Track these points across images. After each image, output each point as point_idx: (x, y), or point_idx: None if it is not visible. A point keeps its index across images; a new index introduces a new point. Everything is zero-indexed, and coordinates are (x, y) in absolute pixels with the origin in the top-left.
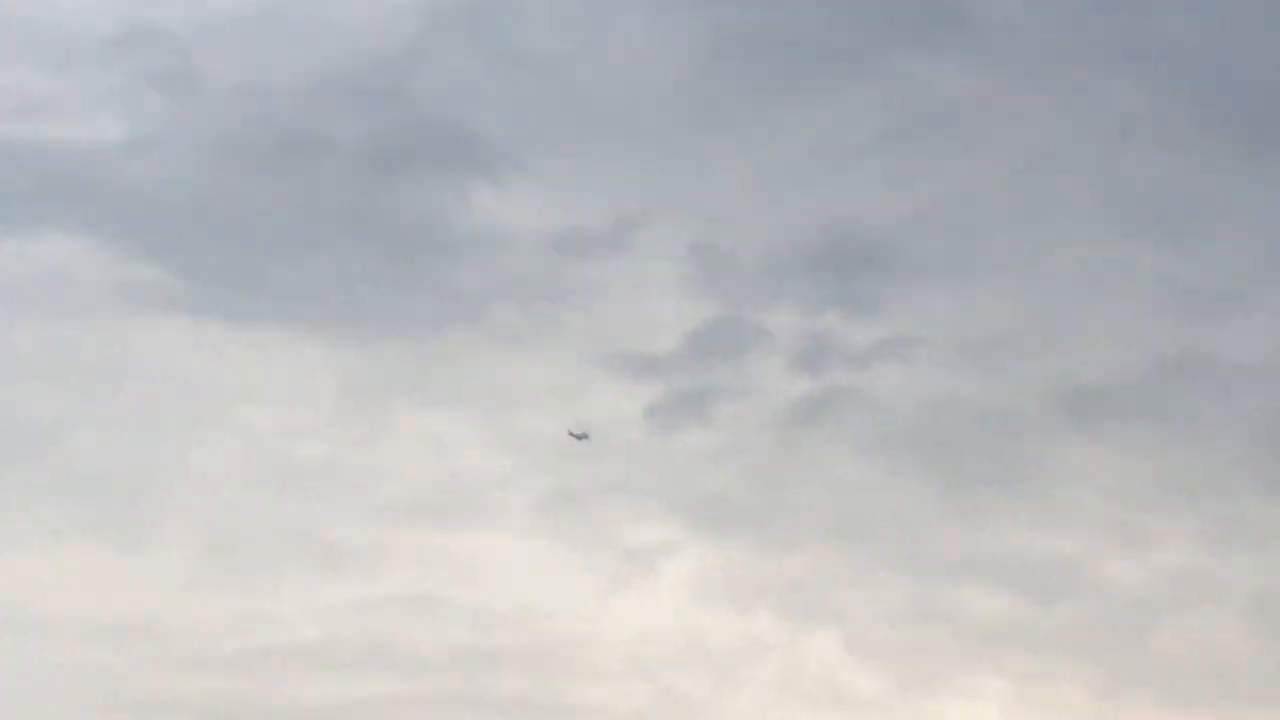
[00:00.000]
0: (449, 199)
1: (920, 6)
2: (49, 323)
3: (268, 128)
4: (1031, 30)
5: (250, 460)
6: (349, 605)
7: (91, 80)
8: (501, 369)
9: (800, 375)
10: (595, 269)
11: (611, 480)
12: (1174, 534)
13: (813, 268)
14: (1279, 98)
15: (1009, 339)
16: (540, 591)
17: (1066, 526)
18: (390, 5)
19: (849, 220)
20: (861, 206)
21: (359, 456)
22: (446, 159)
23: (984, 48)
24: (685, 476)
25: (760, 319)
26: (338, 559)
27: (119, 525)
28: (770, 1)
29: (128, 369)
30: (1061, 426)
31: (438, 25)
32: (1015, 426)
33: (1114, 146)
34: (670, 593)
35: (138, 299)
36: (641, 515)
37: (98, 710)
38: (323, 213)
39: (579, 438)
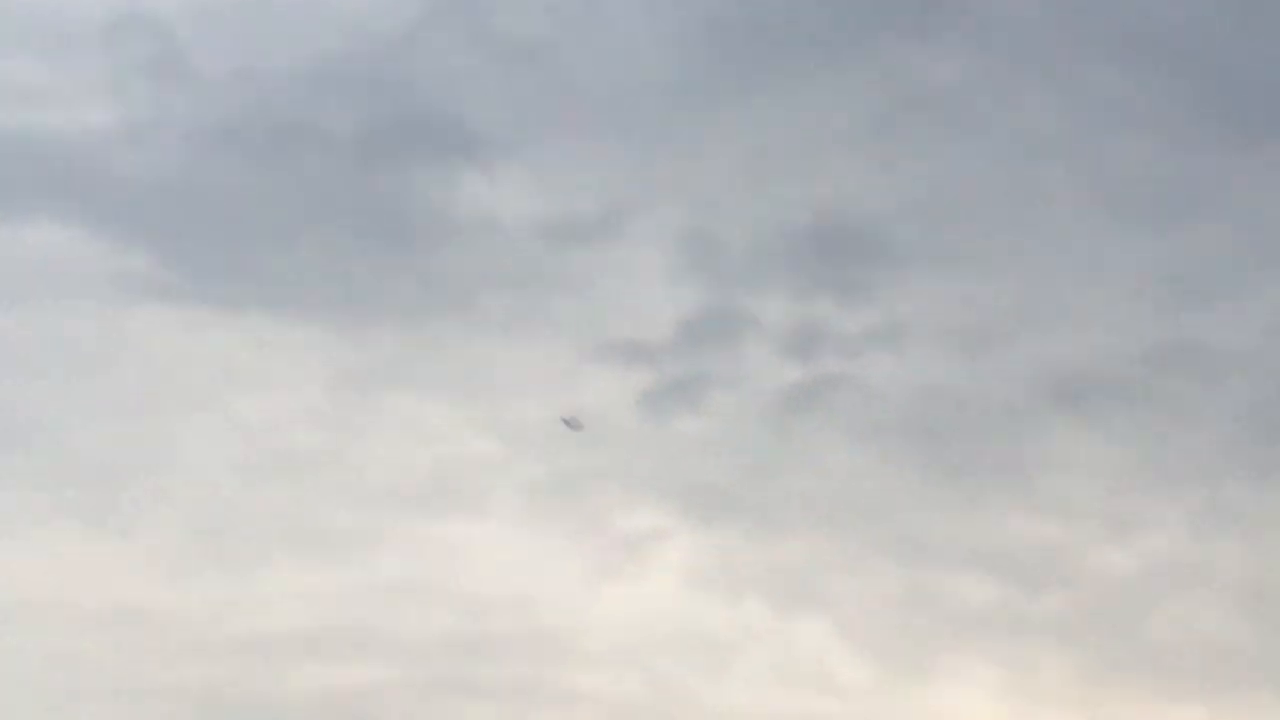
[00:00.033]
0: (439, 186)
1: None
2: (38, 310)
3: (259, 116)
4: (1022, 17)
5: (240, 447)
6: (339, 592)
7: (82, 68)
8: (492, 356)
9: (792, 362)
10: (586, 256)
11: (603, 467)
12: (1164, 521)
13: (804, 255)
14: (1269, 85)
15: (1000, 326)
16: (531, 578)
17: (1056, 513)
18: None
19: (840, 207)
20: (853, 193)
21: (349, 443)
22: (437, 147)
23: (974, 34)
24: (677, 464)
25: (751, 306)
26: (328, 546)
27: (106, 512)
28: None
29: (117, 356)
30: (1052, 413)
31: (429, 13)
32: (1006, 413)
33: (1105, 133)
34: (662, 580)
35: (128, 287)
36: (633, 502)
37: (86, 697)
38: (314, 200)
39: (572, 426)
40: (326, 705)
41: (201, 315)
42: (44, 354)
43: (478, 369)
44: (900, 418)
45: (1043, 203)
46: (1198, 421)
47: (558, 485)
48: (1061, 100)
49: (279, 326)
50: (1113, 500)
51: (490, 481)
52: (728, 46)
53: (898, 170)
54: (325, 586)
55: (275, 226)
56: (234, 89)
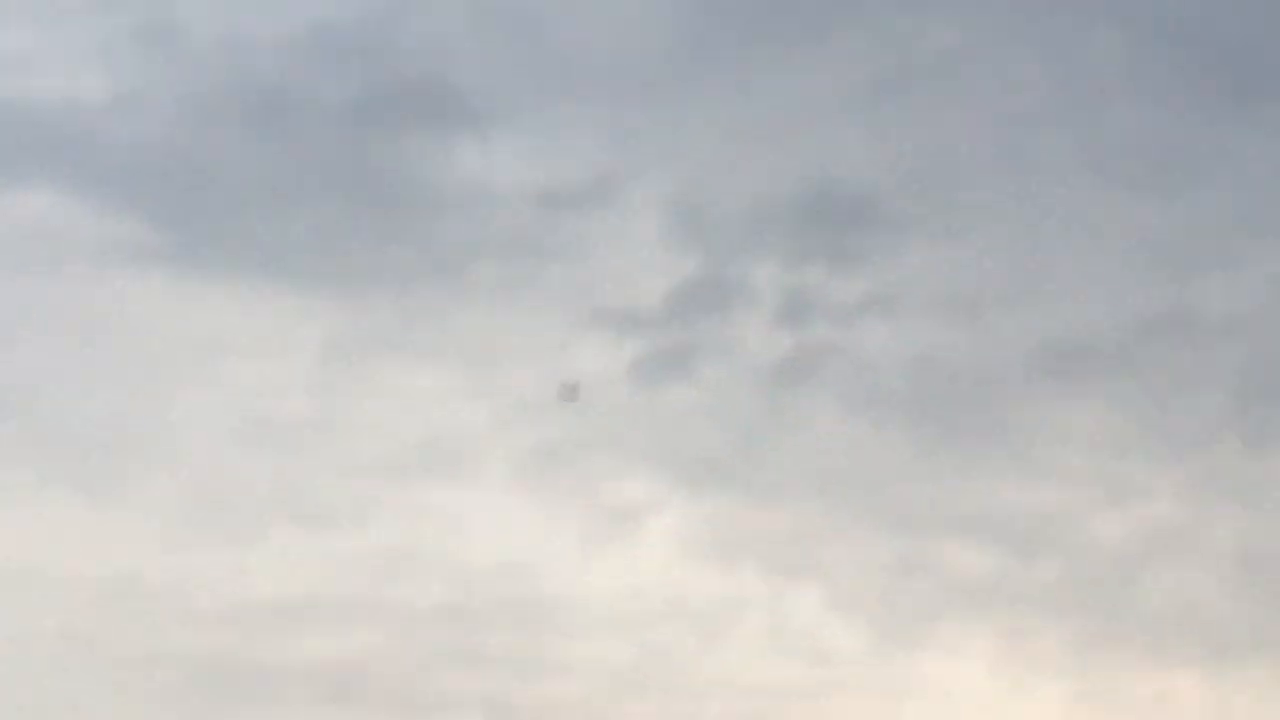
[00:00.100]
0: (431, 154)
1: None
2: (28, 278)
3: (251, 83)
4: None
5: (232, 415)
6: (331, 561)
7: (72, 35)
8: (484, 324)
9: (784, 331)
10: (578, 224)
11: (595, 436)
12: (1158, 488)
13: (796, 222)
14: (1264, 53)
15: (993, 294)
16: (523, 548)
17: (1050, 481)
18: None
19: (832, 175)
20: (845, 161)
21: (341, 412)
22: (429, 114)
23: (968, 0)
24: (669, 433)
25: (744, 274)
26: (320, 514)
27: (99, 480)
28: None
29: (108, 324)
30: (1045, 381)
31: None
32: (999, 381)
33: (1099, 101)
34: (654, 549)
35: (118, 254)
36: (625, 471)
37: (79, 667)
38: (305, 168)
39: (569, 396)
40: (319, 674)
41: (193, 283)
42: (32, 322)
43: (469, 337)
44: (894, 386)
45: (1037, 171)
46: (1194, 389)
47: (550, 454)
48: (1056, 68)
49: (271, 294)
50: (1108, 468)
51: (482, 450)
52: (720, 13)
53: (891, 138)
54: (318, 555)
55: (267, 194)
56: (225, 56)
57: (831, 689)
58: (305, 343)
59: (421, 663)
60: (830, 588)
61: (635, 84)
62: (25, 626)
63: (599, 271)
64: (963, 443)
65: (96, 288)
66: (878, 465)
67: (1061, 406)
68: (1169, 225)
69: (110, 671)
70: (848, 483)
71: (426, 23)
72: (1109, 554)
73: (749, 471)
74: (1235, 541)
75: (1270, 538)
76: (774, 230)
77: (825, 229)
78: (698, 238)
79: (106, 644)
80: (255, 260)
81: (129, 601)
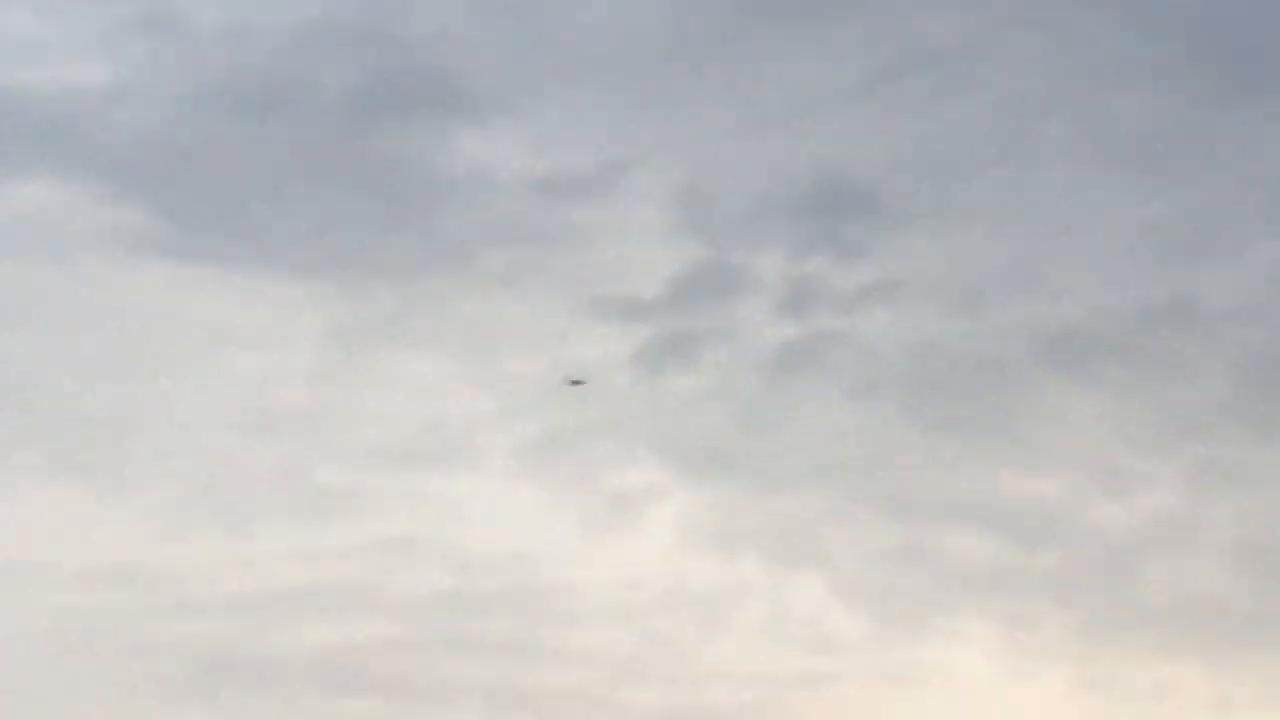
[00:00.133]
0: (433, 142)
1: None
2: (30, 267)
3: (253, 73)
4: None
5: (233, 404)
6: (333, 550)
7: (74, 24)
8: (486, 313)
9: (786, 319)
10: (581, 212)
11: (597, 424)
12: (1160, 477)
13: (799, 211)
14: (1266, 43)
15: (995, 283)
16: (525, 536)
17: (1052, 470)
18: None
19: (836, 164)
20: (848, 150)
21: (343, 400)
22: (431, 102)
23: None
24: (671, 420)
25: (746, 263)
26: (322, 503)
27: (101, 470)
28: None
29: (110, 313)
30: (1047, 370)
31: None
32: (1001, 370)
33: (1101, 90)
34: (656, 537)
35: (120, 244)
36: (627, 459)
37: (80, 656)
38: (307, 157)
39: (575, 384)
40: (322, 662)
41: (195, 272)
42: (33, 312)
43: (472, 325)
44: (895, 374)
45: (1038, 160)
46: (1193, 378)
47: (552, 442)
48: (1057, 57)
49: (273, 283)
50: (1108, 457)
51: (485, 438)
52: (724, 3)
53: (894, 128)
54: (320, 544)
55: (269, 183)
56: (227, 45)
57: (832, 677)
58: (306, 332)
59: (422, 651)
60: (831, 575)
61: (638, 73)
62: (28, 616)
63: (601, 260)
64: (964, 431)
65: (97, 277)
66: (879, 454)
67: (1063, 395)
68: (1170, 215)
69: (111, 661)
70: (849, 471)
71: (428, 12)
72: (1110, 542)
73: (750, 460)
74: (1236, 530)
75: (1271, 526)
76: (777, 219)
77: (828, 218)
78: (700, 227)
79: (108, 633)
80: (256, 249)
81: (130, 591)
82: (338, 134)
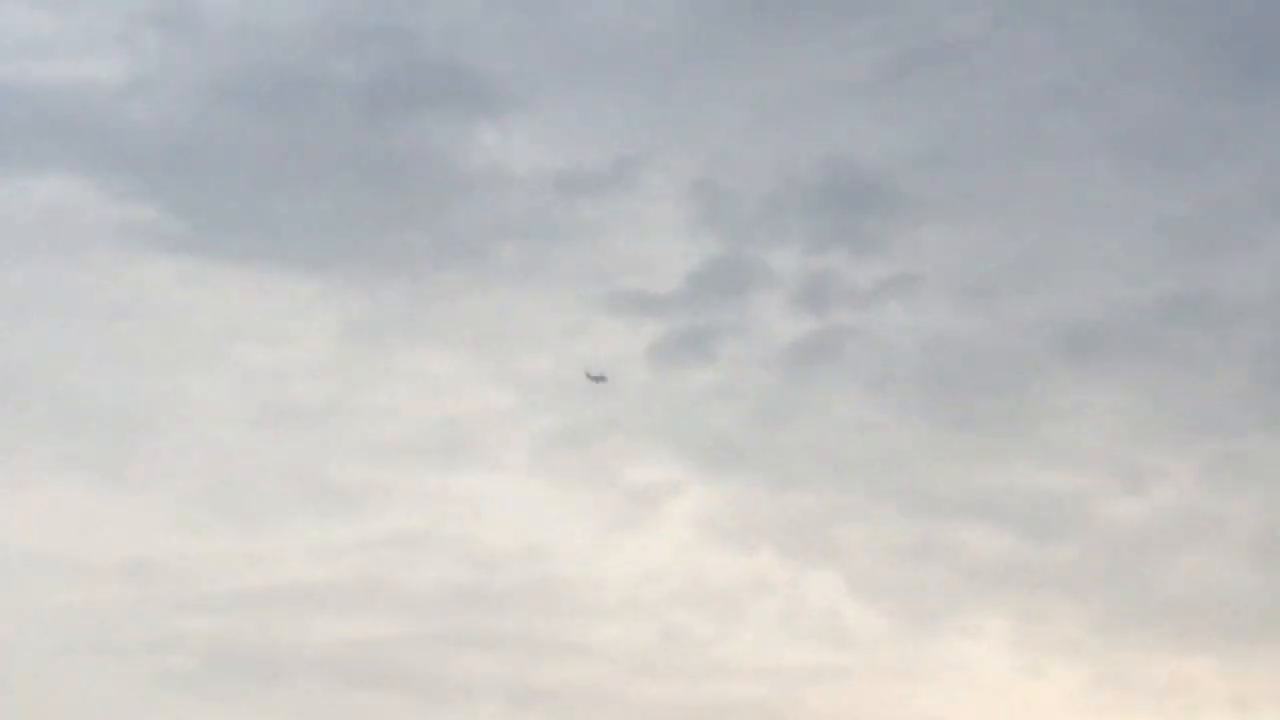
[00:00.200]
0: (450, 138)
1: None
2: (47, 262)
3: (268, 68)
4: None
5: (249, 399)
6: (348, 545)
7: (90, 20)
8: (503, 308)
9: (803, 314)
10: (597, 208)
11: (614, 419)
12: (1175, 471)
13: (815, 206)
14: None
15: (1010, 277)
16: (542, 531)
17: (1068, 464)
18: None
19: (851, 158)
20: (864, 144)
21: (358, 395)
22: (447, 98)
23: None
24: (688, 415)
25: (763, 257)
26: (336, 498)
27: (116, 464)
28: None
29: (126, 308)
30: (1062, 364)
31: None
32: (1017, 364)
33: (1115, 84)
34: (673, 532)
35: (136, 238)
36: (644, 454)
37: (93, 649)
38: (322, 152)
39: (597, 379)
40: (338, 658)
41: (210, 267)
42: (51, 305)
43: (488, 321)
44: (911, 369)
45: (1053, 154)
46: (1209, 371)
47: (569, 437)
48: (1072, 51)
49: (288, 278)
50: (1124, 451)
51: (501, 433)
52: (739, 1)
53: (909, 122)
54: (336, 539)
55: (285, 178)
56: (243, 41)
57: (849, 671)
58: (322, 327)
59: (438, 646)
60: (848, 571)
61: (653, 70)
62: (41, 610)
63: (617, 255)
64: (981, 426)
65: (113, 273)
66: (896, 448)
67: (1079, 389)
68: (1186, 208)
69: (123, 655)
70: (866, 465)
71: (444, 8)
72: (1127, 537)
73: (767, 455)
74: (1253, 525)
75: None
76: (793, 214)
77: (844, 213)
78: (716, 222)
79: (122, 627)
80: (272, 244)
81: (143, 586)
82: (353, 130)
